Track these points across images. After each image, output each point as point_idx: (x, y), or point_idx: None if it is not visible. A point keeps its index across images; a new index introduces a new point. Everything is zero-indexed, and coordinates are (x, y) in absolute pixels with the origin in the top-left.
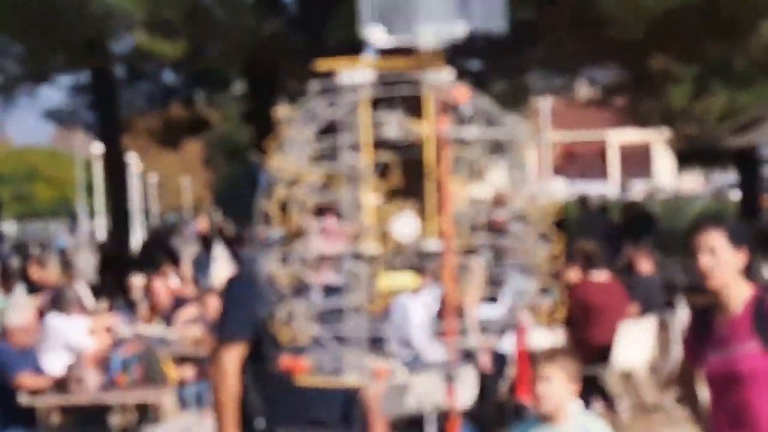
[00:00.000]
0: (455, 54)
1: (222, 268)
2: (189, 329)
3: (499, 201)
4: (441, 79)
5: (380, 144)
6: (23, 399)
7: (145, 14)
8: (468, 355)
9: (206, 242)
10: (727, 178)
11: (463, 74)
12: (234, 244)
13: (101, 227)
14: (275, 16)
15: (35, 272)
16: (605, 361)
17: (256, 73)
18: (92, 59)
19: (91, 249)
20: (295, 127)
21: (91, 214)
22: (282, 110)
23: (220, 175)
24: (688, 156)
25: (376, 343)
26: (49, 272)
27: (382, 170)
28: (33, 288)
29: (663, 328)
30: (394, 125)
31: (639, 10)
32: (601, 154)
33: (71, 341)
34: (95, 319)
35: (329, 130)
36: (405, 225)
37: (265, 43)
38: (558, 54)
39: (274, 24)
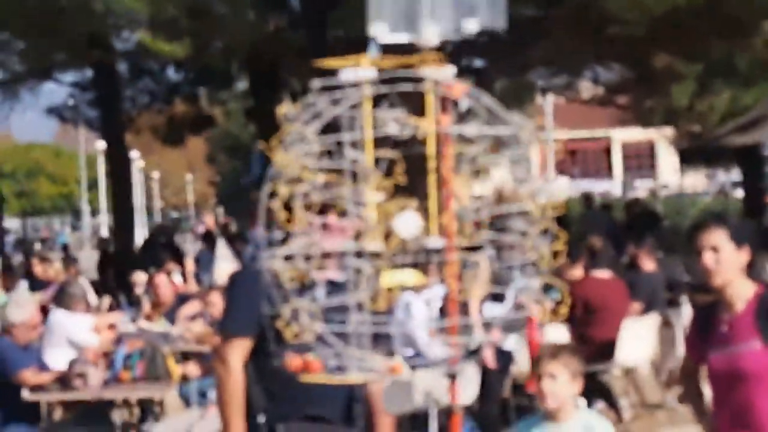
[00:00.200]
0: (459, 52)
1: (225, 265)
2: (192, 325)
3: (501, 198)
4: (443, 76)
5: (382, 141)
6: (26, 395)
7: (149, 12)
8: (471, 353)
9: (209, 239)
10: (731, 176)
11: (466, 72)
12: (237, 241)
13: (104, 224)
14: (278, 13)
15: (38, 268)
16: (607, 358)
17: (259, 70)
18: (95, 56)
19: (94, 246)
20: (298, 124)
21: (94, 211)
22: (284, 107)
23: (222, 172)
24: (691, 154)
25: (380, 341)
26: (52, 268)
27: (385, 167)
28: (35, 284)
29: (666, 325)
30: (397, 122)
31: (642, 8)
32: (604, 152)
33: (75, 337)
34: (99, 316)
35: (332, 127)
36: (407, 222)
37: (268, 40)
38: (561, 52)
39: (276, 21)
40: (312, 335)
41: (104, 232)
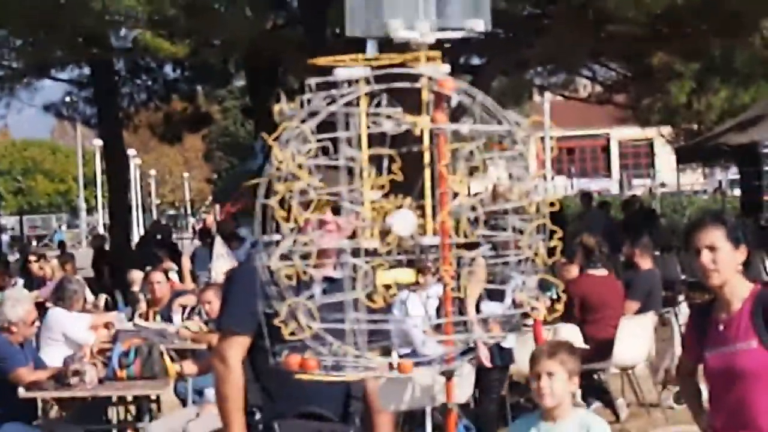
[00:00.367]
0: (456, 49)
1: (222, 262)
2: (189, 323)
3: (497, 195)
4: (438, 73)
5: (379, 138)
6: (22, 392)
7: (147, 11)
8: (467, 351)
9: (206, 237)
10: (728, 174)
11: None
12: (233, 239)
13: (101, 222)
14: (275, 11)
15: (34, 266)
16: (604, 357)
17: (256, 67)
18: (93, 53)
19: (90, 243)
20: (294, 122)
21: (91, 209)
22: (281, 105)
23: (219, 170)
24: (688, 152)
25: (377, 338)
26: (48, 266)
27: (381, 165)
28: (32, 281)
29: (663, 324)
30: (393, 120)
31: (641, 6)
32: (602, 150)
33: (72, 335)
34: (96, 315)
35: (328, 124)
36: (403, 220)
37: (266, 38)
38: (559, 50)
39: (274, 18)
40: (309, 333)
41: (101, 230)
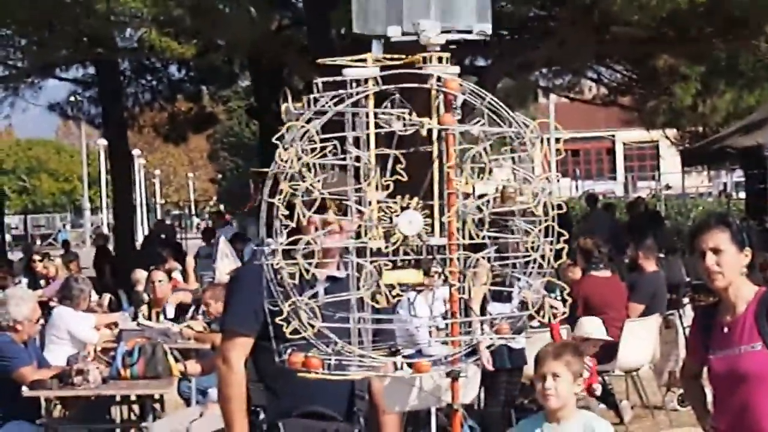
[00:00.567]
0: (461, 51)
1: (226, 262)
2: (192, 323)
3: (506, 197)
4: (446, 74)
5: (383, 139)
6: (26, 391)
7: (153, 13)
8: (473, 352)
9: (210, 236)
10: (733, 177)
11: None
12: (238, 239)
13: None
14: (280, 11)
15: (38, 265)
16: (608, 359)
17: (261, 68)
18: (98, 53)
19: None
20: (300, 122)
21: (95, 209)
22: (287, 105)
23: (224, 170)
24: (693, 155)
25: (382, 338)
26: (53, 265)
27: (385, 165)
28: (36, 281)
29: (667, 327)
30: (399, 120)
31: (646, 9)
32: (607, 152)
33: (78, 333)
34: (101, 315)
35: (334, 124)
36: (410, 220)
37: (271, 38)
38: (565, 52)
39: (279, 19)
40: (310, 332)
41: (105, 230)
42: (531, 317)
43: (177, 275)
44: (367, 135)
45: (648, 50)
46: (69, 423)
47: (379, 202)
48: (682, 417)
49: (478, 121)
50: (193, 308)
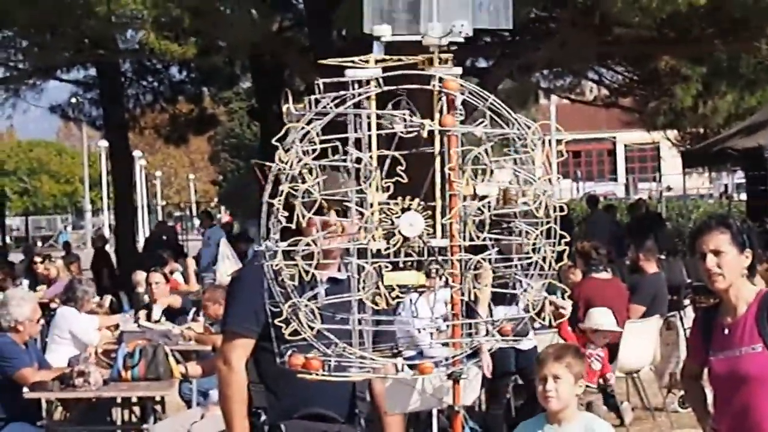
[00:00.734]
0: (463, 52)
1: (227, 264)
2: (193, 325)
3: (508, 199)
4: (447, 75)
5: (384, 140)
6: (27, 393)
7: (153, 15)
8: (474, 354)
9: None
10: (734, 178)
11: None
12: (240, 241)
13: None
14: (282, 12)
15: (39, 267)
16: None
17: (262, 69)
18: (99, 55)
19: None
20: (301, 123)
21: (96, 210)
22: (288, 106)
23: (225, 172)
24: (694, 156)
25: (382, 340)
26: (54, 267)
27: (388, 166)
28: (37, 282)
29: (668, 328)
30: (401, 121)
31: (646, 10)
32: (608, 154)
33: (80, 334)
34: (104, 317)
35: (336, 125)
36: (411, 222)
37: (272, 39)
38: (566, 53)
39: (280, 20)
40: (310, 333)
41: (106, 231)
42: (533, 319)
43: (178, 276)
44: (368, 136)
45: (649, 51)
46: (70, 425)
47: (379, 203)
48: (683, 419)
49: (480, 123)
50: (193, 310)
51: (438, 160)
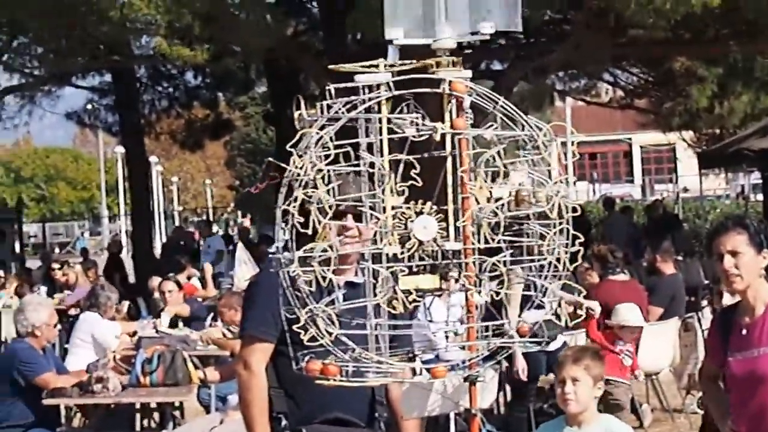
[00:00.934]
0: (477, 55)
1: (245, 269)
2: (211, 331)
3: (521, 201)
4: (457, 78)
5: (397, 144)
6: (46, 399)
7: (166, 20)
8: (490, 356)
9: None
10: (751, 179)
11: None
12: (263, 241)
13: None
14: (296, 17)
15: (57, 273)
16: None
17: (277, 74)
18: (114, 61)
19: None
20: (315, 127)
21: (113, 217)
22: (302, 111)
23: (241, 177)
24: (711, 157)
25: (399, 344)
26: (72, 271)
27: (402, 170)
28: (55, 289)
29: (686, 329)
30: (413, 125)
31: (660, 13)
32: (624, 155)
33: (100, 337)
34: (126, 324)
35: (349, 130)
36: (424, 225)
37: (286, 44)
38: (580, 55)
39: (295, 25)
40: (328, 338)
41: (123, 237)
42: (553, 321)
43: (195, 281)
44: (381, 141)
45: (664, 53)
46: (89, 431)
47: (393, 207)
48: (701, 420)
49: (491, 125)
50: (211, 316)
51: (450, 163)
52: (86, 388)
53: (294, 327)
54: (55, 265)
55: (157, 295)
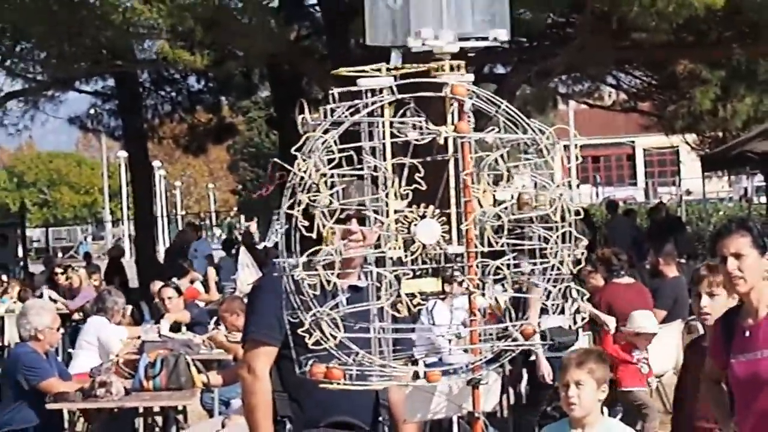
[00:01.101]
0: (480, 58)
1: (247, 273)
2: (215, 334)
3: (523, 204)
4: (460, 82)
5: (400, 148)
6: (49, 403)
7: (169, 24)
8: (493, 359)
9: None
10: (754, 182)
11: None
12: (259, 249)
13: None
14: (299, 22)
15: (61, 277)
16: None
17: (280, 78)
18: (117, 65)
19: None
20: (318, 131)
21: (116, 221)
22: (305, 115)
23: (244, 181)
24: (714, 160)
25: (403, 347)
26: (76, 275)
27: (402, 174)
28: (59, 293)
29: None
30: (416, 129)
31: (662, 16)
32: (627, 158)
33: (106, 339)
34: (130, 329)
35: (352, 134)
36: (428, 229)
37: (290, 49)
38: (583, 59)
39: (298, 29)
40: (332, 342)
41: (126, 242)
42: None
43: (198, 285)
44: (383, 144)
45: (667, 56)
46: None
47: (396, 211)
48: None
49: (493, 129)
50: (214, 320)
51: (452, 166)
52: (89, 392)
53: (298, 330)
54: (58, 270)
55: (157, 300)
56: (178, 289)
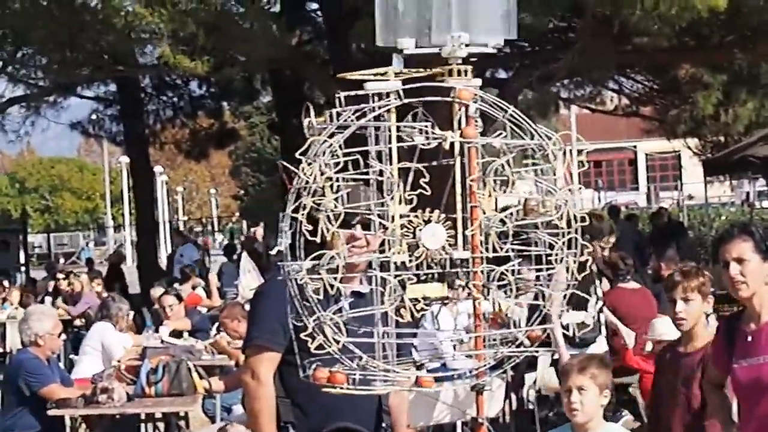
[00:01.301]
0: (482, 63)
1: (249, 278)
2: (218, 340)
3: (529, 210)
4: (467, 87)
5: (405, 152)
6: (51, 410)
7: (170, 28)
8: (498, 365)
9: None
10: (756, 186)
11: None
12: (261, 255)
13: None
14: (301, 26)
15: (63, 283)
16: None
17: (282, 83)
18: (119, 70)
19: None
20: (322, 136)
21: (117, 227)
22: (308, 120)
23: (246, 186)
24: (716, 164)
25: (405, 353)
26: (78, 281)
27: (407, 179)
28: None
29: None
30: (422, 134)
31: (664, 20)
32: (629, 163)
33: (109, 345)
34: (134, 336)
35: (356, 139)
36: (433, 233)
37: (291, 54)
38: (585, 63)
39: (299, 34)
40: (335, 347)
41: (128, 247)
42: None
43: (200, 291)
44: (390, 149)
45: (669, 60)
46: None
47: (401, 216)
48: None
49: (500, 134)
50: (215, 326)
51: (459, 171)
52: (91, 398)
53: (301, 335)
54: (60, 276)
55: (158, 307)
56: (179, 296)
